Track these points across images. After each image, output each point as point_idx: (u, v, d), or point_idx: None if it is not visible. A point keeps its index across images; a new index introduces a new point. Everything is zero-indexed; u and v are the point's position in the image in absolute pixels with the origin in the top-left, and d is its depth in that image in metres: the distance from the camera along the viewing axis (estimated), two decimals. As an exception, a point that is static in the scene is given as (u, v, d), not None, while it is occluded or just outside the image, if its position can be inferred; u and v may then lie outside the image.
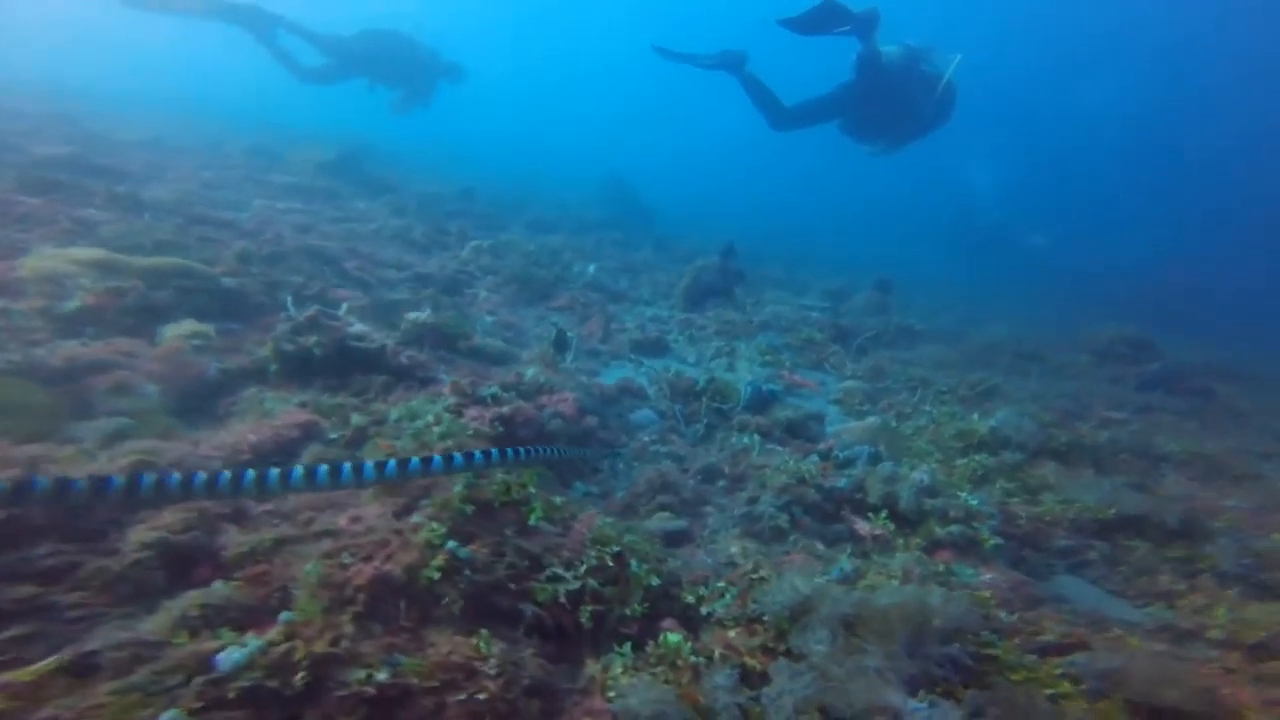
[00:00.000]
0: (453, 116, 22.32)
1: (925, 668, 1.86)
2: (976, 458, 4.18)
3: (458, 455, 2.43)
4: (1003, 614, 2.58)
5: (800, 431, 4.54)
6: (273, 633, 1.66)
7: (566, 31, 53.73)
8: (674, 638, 2.06)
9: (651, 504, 3.52)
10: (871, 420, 4.75)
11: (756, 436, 4.31)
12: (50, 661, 1.48)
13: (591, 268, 8.57)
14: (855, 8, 7.91)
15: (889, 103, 8.96)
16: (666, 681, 1.90)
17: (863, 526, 3.37)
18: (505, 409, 3.49)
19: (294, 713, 1.58)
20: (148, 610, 1.80)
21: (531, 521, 2.37)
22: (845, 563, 2.78)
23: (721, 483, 3.87)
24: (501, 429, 3.38)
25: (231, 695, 1.51)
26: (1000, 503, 3.71)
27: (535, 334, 5.85)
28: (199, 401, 3.37)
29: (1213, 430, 5.82)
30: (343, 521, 2.34)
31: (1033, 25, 33.80)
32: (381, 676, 1.68)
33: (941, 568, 2.91)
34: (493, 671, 1.78)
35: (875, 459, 3.91)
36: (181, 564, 2.04)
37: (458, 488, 2.31)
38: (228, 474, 2.06)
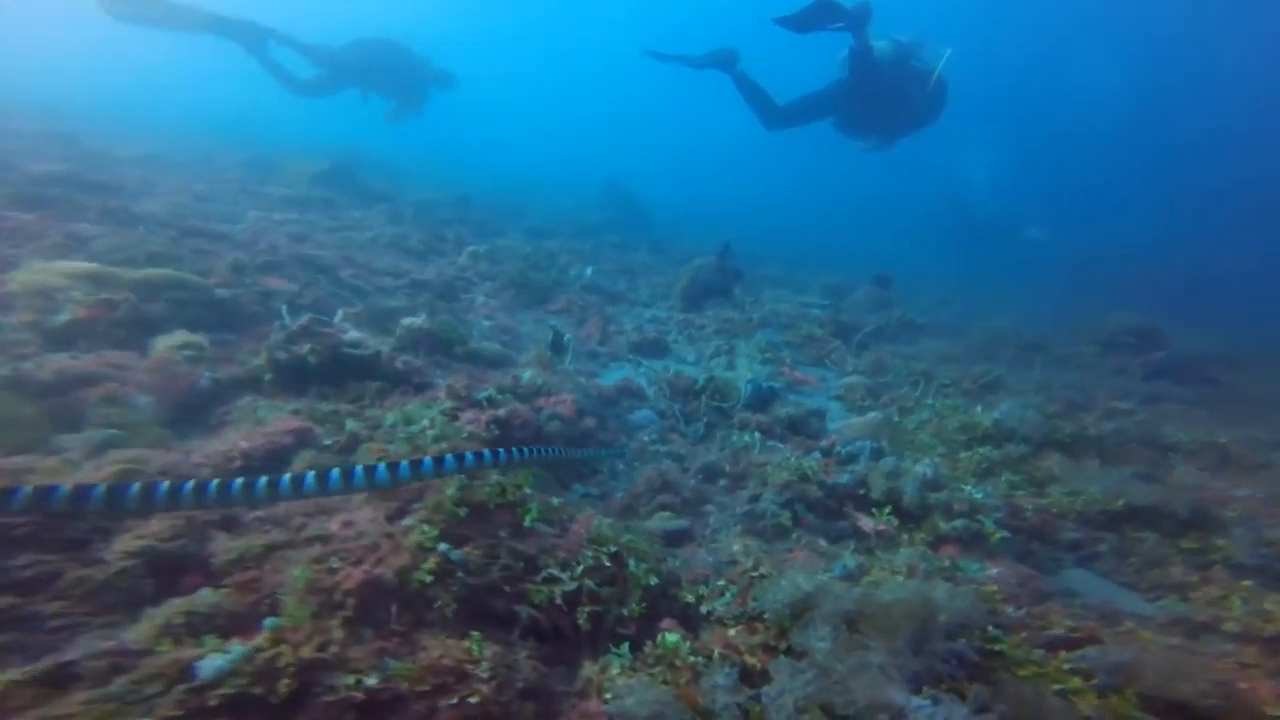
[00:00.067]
0: (449, 124, 22.41)
1: (930, 664, 1.80)
2: (980, 451, 4.13)
3: (469, 454, 2.40)
4: (1010, 609, 2.52)
5: (801, 428, 4.49)
6: (258, 639, 1.62)
7: (563, 37, 53.94)
8: (672, 637, 2.01)
9: (652, 504, 3.48)
10: (873, 415, 4.69)
11: (757, 434, 4.27)
12: (13, 673, 1.44)
13: (589, 270, 8.54)
14: (848, 4, 7.91)
15: (882, 98, 8.96)
16: (665, 682, 1.85)
17: (866, 523, 3.32)
18: (501, 411, 3.46)
19: (280, 720, 1.54)
20: (133, 619, 1.76)
21: (527, 523, 2.33)
22: (848, 559, 2.73)
23: (722, 481, 3.83)
24: (497, 431, 3.34)
25: (213, 703, 1.46)
26: (1005, 496, 3.66)
27: (533, 337, 5.81)
28: (192, 412, 3.34)
29: (1223, 419, 5.73)
30: (334, 526, 2.30)
31: (1023, 13, 33.73)
32: (371, 681, 1.64)
33: (947, 563, 2.86)
34: (485, 674, 1.73)
35: (878, 454, 3.86)
36: (170, 572, 2.00)
37: (450, 490, 2.27)
38: (214, 482, 2.02)
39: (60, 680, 1.48)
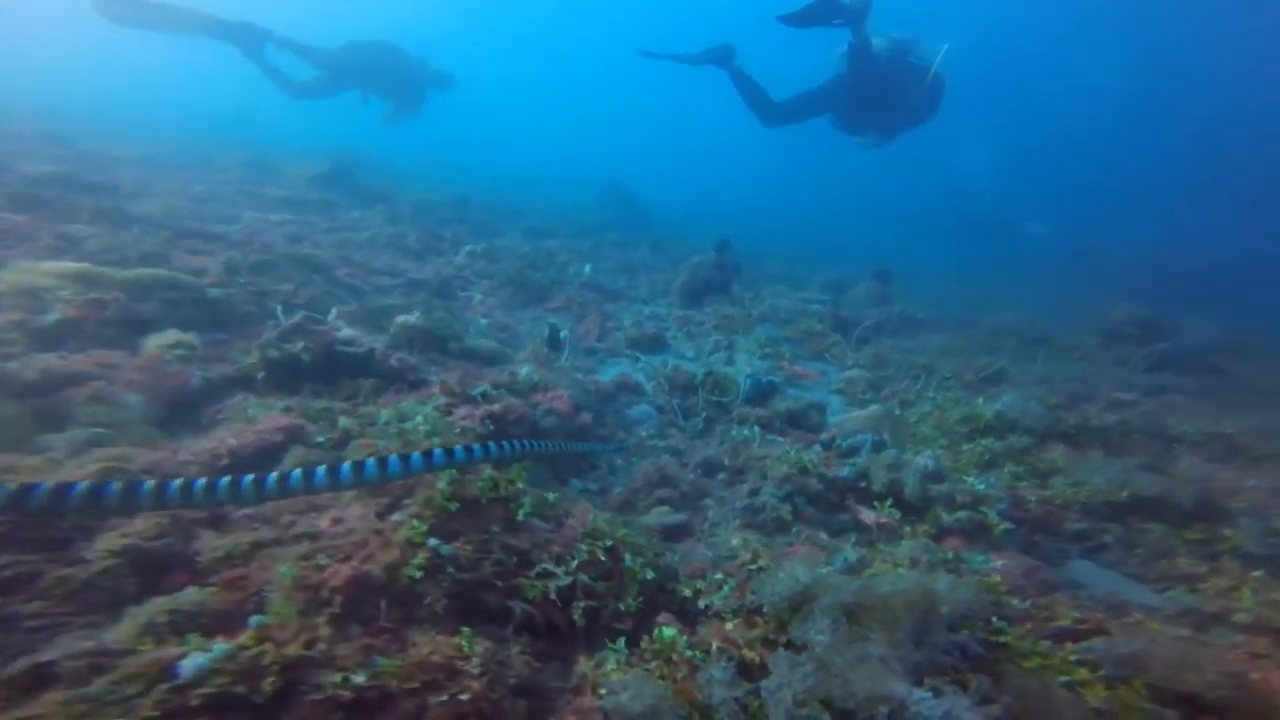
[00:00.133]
0: (448, 125, 22.38)
1: (932, 656, 1.76)
2: (983, 442, 4.08)
3: (458, 449, 2.35)
4: (1015, 600, 2.48)
5: (802, 422, 4.44)
6: (242, 637, 1.58)
7: (563, 37, 53.87)
8: (669, 632, 1.96)
9: (650, 499, 3.44)
10: (874, 408, 4.65)
11: (757, 428, 4.22)
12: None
13: (588, 268, 8.50)
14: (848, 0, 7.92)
15: (880, 95, 8.94)
16: (661, 677, 1.80)
17: (867, 515, 3.27)
18: (496, 407, 3.41)
19: (265, 719, 1.49)
20: (115, 619, 1.72)
21: (520, 517, 2.28)
22: (849, 552, 2.69)
23: (721, 475, 3.78)
24: (492, 427, 3.30)
25: (195, 703, 1.42)
26: (1009, 487, 3.61)
27: (530, 335, 5.77)
28: (183, 411, 3.29)
29: (1228, 409, 5.66)
30: (324, 523, 2.26)
31: (1020, 7, 33.50)
32: (358, 679, 1.59)
33: (950, 555, 2.82)
34: (476, 671, 1.69)
35: (879, 447, 3.81)
36: (154, 571, 1.96)
37: (442, 484, 2.22)
38: (201, 481, 1.97)
39: (37, 681, 1.44)
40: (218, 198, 8.83)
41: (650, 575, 2.27)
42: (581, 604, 2.11)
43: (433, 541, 1.99)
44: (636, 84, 43.70)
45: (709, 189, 28.53)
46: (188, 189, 8.85)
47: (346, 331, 4.11)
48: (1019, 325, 8.49)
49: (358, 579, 1.85)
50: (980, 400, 4.65)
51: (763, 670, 1.79)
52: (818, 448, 3.89)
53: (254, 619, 1.67)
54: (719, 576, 2.33)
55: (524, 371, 4.13)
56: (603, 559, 2.24)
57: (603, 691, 1.74)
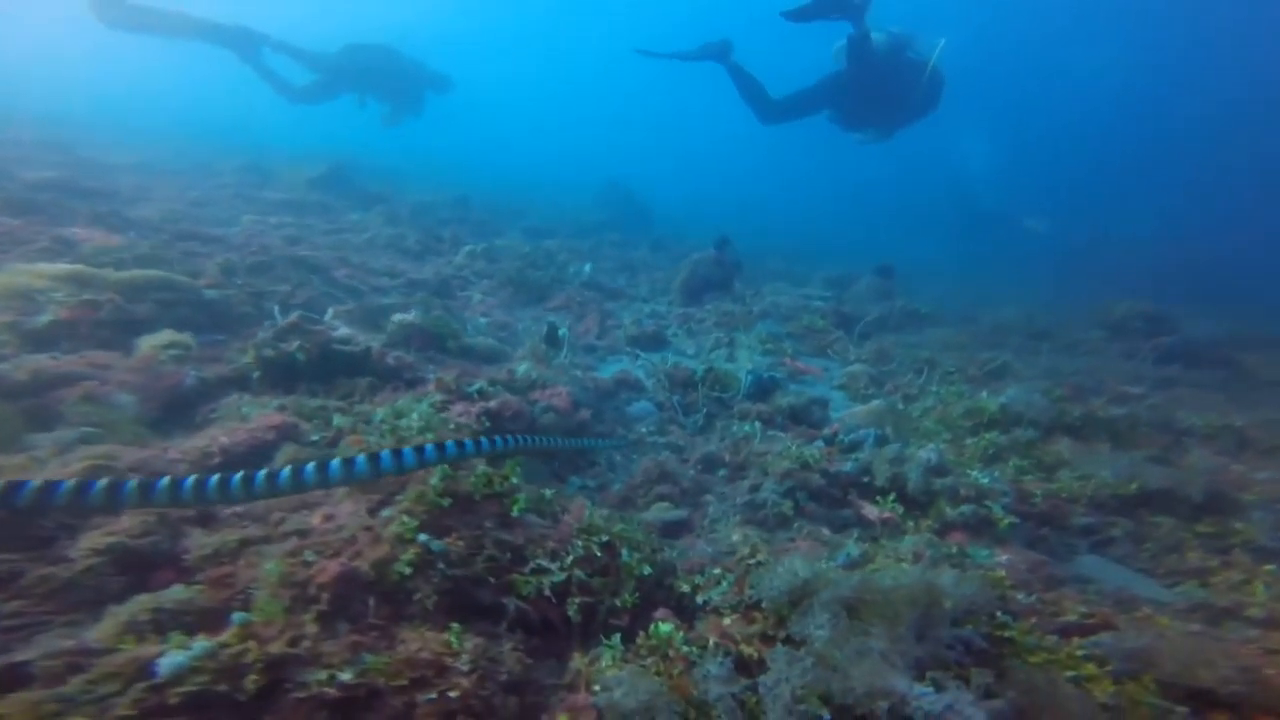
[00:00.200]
0: (448, 126, 22.39)
1: (935, 651, 1.71)
2: (987, 436, 4.02)
3: (449, 443, 2.32)
4: (1020, 595, 2.43)
5: (803, 417, 4.39)
6: (225, 635, 1.54)
7: (563, 37, 53.85)
8: (665, 627, 1.92)
9: (649, 495, 3.39)
10: (877, 403, 4.59)
11: (758, 424, 4.17)
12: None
13: (587, 267, 8.46)
14: None
15: (879, 90, 8.92)
16: (657, 673, 1.75)
17: (870, 510, 3.22)
18: (492, 403, 3.37)
19: (247, 717, 1.45)
20: (98, 618, 1.68)
21: (515, 513, 2.24)
22: (852, 548, 2.64)
23: (722, 471, 3.73)
24: (488, 423, 3.26)
25: (174, 702, 1.38)
26: (1014, 480, 3.55)
27: (530, 334, 5.73)
28: (177, 411, 3.26)
29: (1238, 402, 5.59)
30: (315, 520, 2.23)
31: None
32: (345, 677, 1.55)
33: (954, 550, 2.77)
34: (465, 668, 1.64)
35: (882, 441, 3.76)
36: (140, 569, 1.92)
37: (434, 480, 2.18)
38: (191, 479, 1.93)
39: (11, 681, 1.40)
40: (215, 202, 8.83)
41: (647, 571, 2.23)
42: (577, 600, 2.07)
43: (423, 537, 1.95)
44: (636, 84, 43.74)
45: (709, 188, 28.50)
46: (185, 194, 8.86)
47: (343, 330, 4.08)
48: (1021, 320, 8.42)
49: (346, 575, 1.81)
50: (984, 394, 4.59)
51: (761, 666, 1.74)
52: (820, 443, 3.83)
53: (237, 616, 1.63)
54: (717, 572, 2.28)
55: (522, 369, 4.10)
56: (599, 554, 2.19)
57: (596, 688, 1.69)
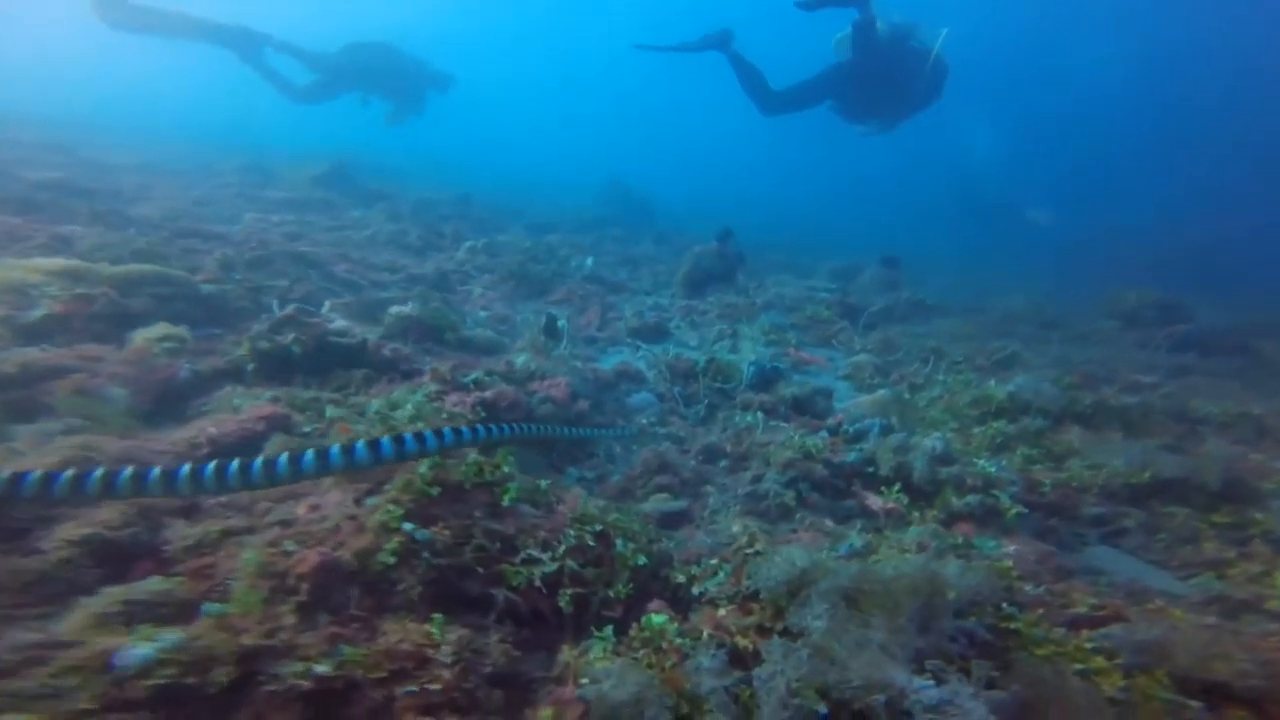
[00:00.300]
0: (449, 125, 22.36)
1: (937, 643, 1.64)
2: (995, 425, 3.93)
3: (465, 429, 2.27)
4: (1028, 586, 2.34)
5: (807, 408, 4.30)
6: (195, 626, 1.48)
7: (563, 37, 53.71)
8: (658, 619, 1.85)
9: (649, 486, 3.32)
10: (883, 393, 4.50)
11: (760, 414, 4.09)
12: None
13: (589, 261, 8.40)
14: None
15: (882, 80, 8.84)
16: (649, 666, 1.69)
17: (874, 501, 3.14)
18: (487, 394, 3.32)
19: (219, 711, 1.40)
20: (70, 611, 1.63)
21: (506, 502, 2.18)
22: (855, 539, 2.55)
23: (724, 462, 3.66)
24: (484, 414, 3.20)
25: (139, 696, 1.33)
26: (1022, 470, 3.46)
27: (530, 326, 5.67)
28: (170, 404, 3.23)
29: (1256, 390, 5.43)
30: (301, 510, 2.18)
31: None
32: (321, 669, 1.50)
33: (960, 540, 2.68)
34: (448, 660, 1.58)
35: (887, 431, 3.67)
36: (119, 561, 1.88)
37: (422, 468, 2.13)
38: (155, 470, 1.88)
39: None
40: (217, 201, 8.83)
41: (642, 561, 2.16)
42: (569, 591, 2.01)
43: (408, 526, 1.89)
44: (636, 80, 43.53)
45: (712, 183, 28.35)
46: (187, 193, 8.86)
47: (339, 323, 4.04)
48: (1030, 310, 8.28)
49: (326, 565, 1.76)
50: (992, 382, 4.48)
51: (756, 658, 1.67)
52: (824, 433, 3.75)
53: (209, 607, 1.58)
54: (714, 562, 2.21)
55: (520, 360, 4.04)
56: (592, 544, 2.13)
57: (584, 680, 1.63)
